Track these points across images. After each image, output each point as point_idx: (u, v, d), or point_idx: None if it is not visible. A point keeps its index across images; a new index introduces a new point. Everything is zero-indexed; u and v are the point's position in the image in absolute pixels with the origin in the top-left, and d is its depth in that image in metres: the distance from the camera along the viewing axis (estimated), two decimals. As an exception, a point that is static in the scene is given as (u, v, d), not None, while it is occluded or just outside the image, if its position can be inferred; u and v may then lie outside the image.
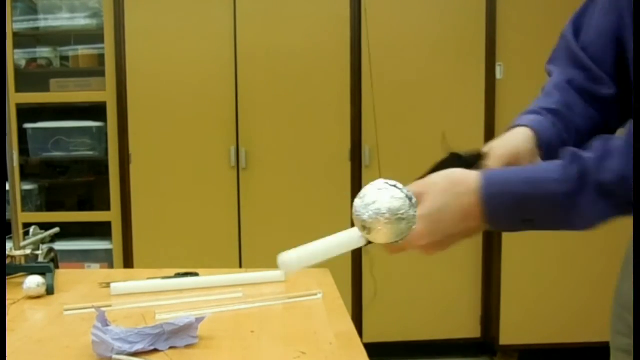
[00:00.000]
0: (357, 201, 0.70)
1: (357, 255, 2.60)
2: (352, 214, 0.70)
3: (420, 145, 2.48)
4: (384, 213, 0.67)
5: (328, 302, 1.02)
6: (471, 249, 2.64)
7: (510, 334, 2.63)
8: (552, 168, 0.66)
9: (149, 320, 0.91)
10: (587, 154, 0.64)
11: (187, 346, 0.81)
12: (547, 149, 0.82)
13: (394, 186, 0.69)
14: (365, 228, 0.69)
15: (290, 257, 0.76)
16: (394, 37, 2.55)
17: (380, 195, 0.68)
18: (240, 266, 2.55)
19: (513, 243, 2.58)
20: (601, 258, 2.48)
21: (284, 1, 2.53)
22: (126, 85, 2.50)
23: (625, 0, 0.72)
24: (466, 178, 0.69)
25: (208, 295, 1.05)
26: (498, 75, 2.56)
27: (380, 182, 0.70)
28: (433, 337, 2.68)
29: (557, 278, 2.60)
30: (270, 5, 2.54)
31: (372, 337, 2.58)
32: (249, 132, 2.54)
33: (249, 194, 2.56)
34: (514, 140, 0.82)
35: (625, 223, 0.67)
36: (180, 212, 2.56)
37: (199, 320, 0.83)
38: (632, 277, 0.83)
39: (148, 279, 1.11)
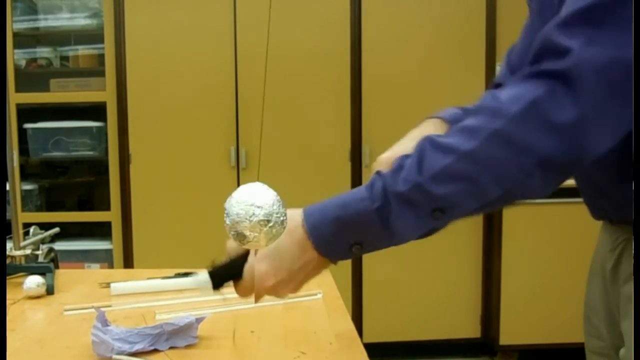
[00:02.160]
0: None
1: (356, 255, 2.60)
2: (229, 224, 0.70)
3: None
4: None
5: (328, 302, 1.02)
6: (471, 249, 2.64)
7: (510, 334, 2.63)
8: (360, 189, 0.69)
9: (149, 320, 0.91)
10: (386, 171, 0.68)
11: (187, 346, 0.81)
12: None
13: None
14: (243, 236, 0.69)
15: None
16: (393, 37, 2.55)
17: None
18: (240, 266, 2.54)
19: (513, 243, 2.58)
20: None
21: (284, 1, 2.53)
22: (126, 85, 2.50)
23: (537, 27, 0.74)
24: (294, 214, 0.72)
25: (208, 296, 1.05)
26: (498, 75, 2.56)
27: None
28: (433, 337, 2.68)
29: (557, 278, 2.60)
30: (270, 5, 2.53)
31: (372, 337, 2.58)
32: (249, 132, 2.54)
33: (249, 194, 2.55)
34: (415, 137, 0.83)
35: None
36: (180, 212, 2.56)
37: (199, 320, 0.83)
38: (596, 279, 0.85)
39: (148, 279, 1.11)
